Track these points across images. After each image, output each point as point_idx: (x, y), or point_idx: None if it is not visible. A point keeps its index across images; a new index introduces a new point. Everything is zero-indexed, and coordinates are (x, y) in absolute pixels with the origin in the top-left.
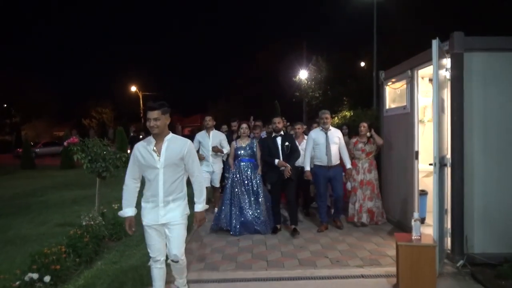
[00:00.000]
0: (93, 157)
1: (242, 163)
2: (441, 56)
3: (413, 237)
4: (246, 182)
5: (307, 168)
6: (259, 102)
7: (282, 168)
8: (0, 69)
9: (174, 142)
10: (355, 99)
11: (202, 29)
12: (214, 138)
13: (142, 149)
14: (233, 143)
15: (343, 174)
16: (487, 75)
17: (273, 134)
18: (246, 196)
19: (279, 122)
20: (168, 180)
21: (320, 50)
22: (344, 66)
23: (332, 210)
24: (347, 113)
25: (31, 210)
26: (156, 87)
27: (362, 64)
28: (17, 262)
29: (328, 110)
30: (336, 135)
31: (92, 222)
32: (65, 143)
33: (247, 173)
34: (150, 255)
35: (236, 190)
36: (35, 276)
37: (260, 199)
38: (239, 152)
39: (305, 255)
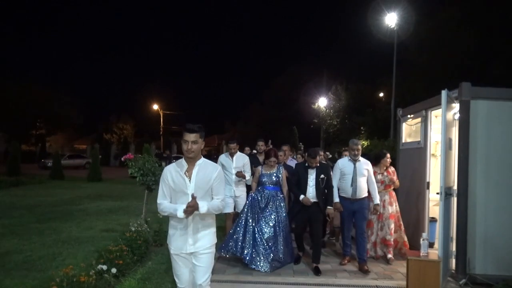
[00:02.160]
0: (145, 172)
1: (265, 191)
2: (450, 101)
3: (421, 254)
4: (266, 210)
5: (336, 199)
6: (277, 126)
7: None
8: (26, 82)
9: (205, 168)
10: (372, 129)
11: (224, 51)
12: (237, 161)
13: (173, 173)
14: (259, 168)
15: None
16: (491, 119)
17: (307, 164)
18: (263, 226)
19: (316, 162)
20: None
21: (339, 79)
22: (363, 96)
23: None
24: (364, 143)
25: (75, 216)
26: (176, 106)
27: (381, 94)
28: (79, 257)
29: (359, 141)
30: (365, 167)
31: (140, 228)
32: (122, 159)
33: (269, 202)
34: (178, 285)
35: (253, 216)
36: (104, 267)
37: (278, 233)
38: (263, 180)
39: (327, 267)
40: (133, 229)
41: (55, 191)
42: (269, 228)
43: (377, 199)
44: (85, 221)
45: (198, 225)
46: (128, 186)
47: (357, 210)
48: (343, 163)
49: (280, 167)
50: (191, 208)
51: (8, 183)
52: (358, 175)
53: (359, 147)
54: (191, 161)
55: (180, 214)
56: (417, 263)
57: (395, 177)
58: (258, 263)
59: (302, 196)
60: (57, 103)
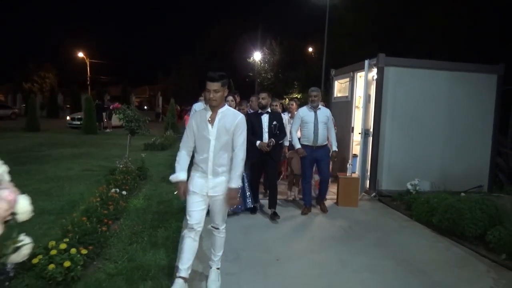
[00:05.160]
0: (129, 119)
1: None
2: (370, 67)
3: (347, 174)
4: None
5: (298, 145)
6: None
7: (264, 149)
8: None
9: (227, 115)
10: (304, 83)
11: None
12: None
13: (198, 118)
14: None
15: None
16: (397, 81)
17: (259, 111)
18: None
19: (263, 98)
20: (218, 151)
21: (274, 35)
22: (296, 52)
23: (317, 191)
24: (297, 95)
25: (45, 161)
26: (104, 55)
27: (311, 50)
28: (82, 188)
29: (318, 88)
30: (325, 114)
31: (126, 166)
32: (110, 107)
33: None
34: (188, 222)
35: None
36: (117, 190)
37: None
38: None
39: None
40: (120, 166)
41: (1, 141)
42: None
43: (334, 146)
44: (60, 164)
45: (218, 170)
46: (72, 135)
47: (319, 157)
48: (304, 112)
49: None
50: (235, 202)
51: None
52: (320, 123)
53: (316, 93)
54: (214, 109)
55: (172, 178)
56: (344, 180)
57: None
58: None
59: (258, 142)
60: None
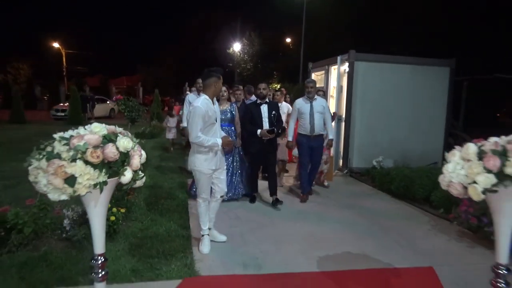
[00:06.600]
0: (130, 109)
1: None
2: (342, 62)
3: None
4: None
5: (290, 138)
6: (192, 69)
7: (265, 137)
8: None
9: (216, 102)
10: (283, 74)
11: None
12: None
13: (207, 107)
14: None
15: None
16: (366, 74)
17: (258, 101)
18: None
19: (264, 88)
20: (220, 132)
21: (253, 26)
22: (274, 44)
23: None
24: (276, 86)
25: None
26: (81, 45)
27: (289, 40)
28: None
29: (314, 80)
30: (321, 104)
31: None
32: (113, 98)
33: None
34: (204, 196)
35: None
36: None
37: (235, 167)
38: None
39: None
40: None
41: None
42: (227, 164)
43: (331, 135)
44: None
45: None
46: (59, 127)
47: (315, 146)
48: (300, 103)
49: (233, 104)
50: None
51: None
52: (315, 113)
53: (312, 84)
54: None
55: (220, 143)
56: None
57: None
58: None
59: (259, 131)
60: None
